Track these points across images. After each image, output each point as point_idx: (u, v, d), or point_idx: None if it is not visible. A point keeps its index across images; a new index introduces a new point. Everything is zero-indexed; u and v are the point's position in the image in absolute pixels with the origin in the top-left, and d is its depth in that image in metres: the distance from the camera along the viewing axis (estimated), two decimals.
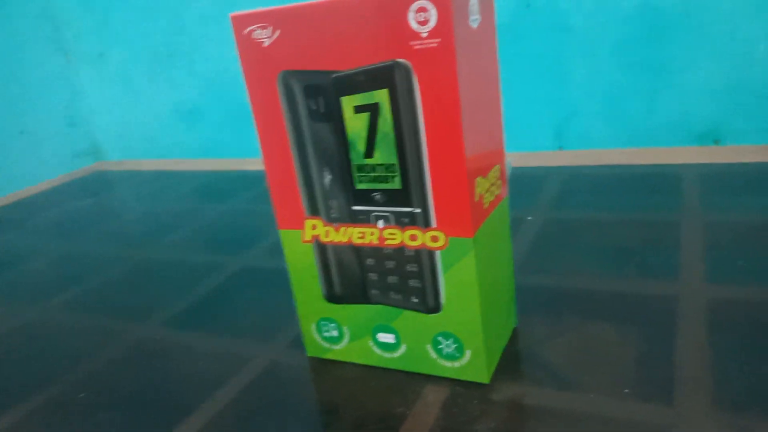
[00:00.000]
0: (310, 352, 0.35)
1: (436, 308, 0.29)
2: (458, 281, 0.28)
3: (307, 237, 0.31)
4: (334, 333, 0.33)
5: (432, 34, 0.24)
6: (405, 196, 0.28)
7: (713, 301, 0.34)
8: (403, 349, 0.31)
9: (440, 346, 0.30)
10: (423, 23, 0.24)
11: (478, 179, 0.27)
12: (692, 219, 0.44)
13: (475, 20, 0.25)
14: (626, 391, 0.28)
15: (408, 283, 0.29)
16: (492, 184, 0.29)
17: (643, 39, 0.61)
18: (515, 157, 0.67)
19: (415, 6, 0.24)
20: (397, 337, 0.31)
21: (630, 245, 0.42)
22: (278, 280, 0.45)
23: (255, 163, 0.83)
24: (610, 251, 0.42)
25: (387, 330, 0.31)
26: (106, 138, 1.02)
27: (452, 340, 0.30)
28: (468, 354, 0.29)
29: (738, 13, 0.57)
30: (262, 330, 0.39)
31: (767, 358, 0.29)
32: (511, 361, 0.31)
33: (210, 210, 0.65)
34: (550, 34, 0.65)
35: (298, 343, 0.36)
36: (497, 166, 0.30)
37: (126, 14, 0.90)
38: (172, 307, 0.44)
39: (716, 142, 0.62)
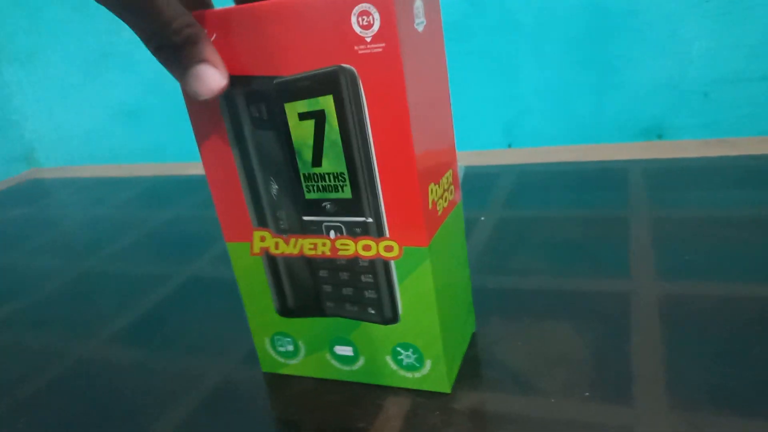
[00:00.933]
0: (265, 368, 0.33)
1: (393, 319, 0.29)
2: (415, 291, 0.27)
3: (256, 249, 0.30)
4: (290, 347, 0.32)
5: (376, 38, 0.23)
6: (356, 206, 0.27)
7: (664, 297, 0.34)
8: (361, 361, 0.30)
9: (400, 357, 0.29)
10: (366, 27, 0.23)
11: (431, 186, 0.27)
12: (639, 215, 0.45)
13: (420, 24, 0.25)
14: (586, 394, 0.28)
15: (364, 294, 0.29)
16: (445, 190, 0.28)
17: (590, 37, 0.62)
18: (466, 156, 0.67)
19: (357, 9, 0.23)
20: (355, 350, 0.30)
21: (581, 243, 0.42)
22: (229, 291, 0.44)
23: (199, 167, 0.80)
24: (562, 249, 0.42)
25: (344, 343, 0.30)
26: (40, 143, 0.97)
27: (412, 350, 0.29)
28: (428, 364, 0.29)
29: (678, 14, 0.58)
30: (214, 344, 0.37)
31: (720, 353, 0.29)
32: (470, 367, 0.31)
33: (154, 217, 0.63)
34: (499, 32, 0.65)
35: (252, 357, 0.35)
36: (450, 171, 0.29)
37: (59, 12, 0.85)
38: (117, 322, 0.42)
39: (659, 137, 0.64)
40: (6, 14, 0.89)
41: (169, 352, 0.37)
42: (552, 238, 0.44)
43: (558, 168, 0.58)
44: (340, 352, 0.31)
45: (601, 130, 0.66)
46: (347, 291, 0.29)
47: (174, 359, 0.36)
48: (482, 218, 0.49)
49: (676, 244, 0.40)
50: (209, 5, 0.27)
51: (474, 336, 0.34)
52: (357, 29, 0.23)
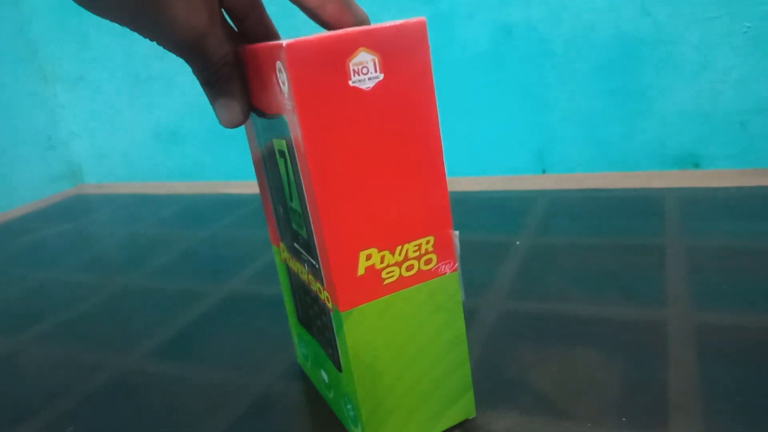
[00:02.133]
0: (298, 358, 0.36)
1: (339, 368, 0.28)
2: (342, 350, 0.26)
3: (279, 257, 0.33)
4: (304, 350, 0.34)
5: (289, 96, 0.22)
6: (311, 248, 0.26)
7: (701, 326, 0.34)
8: (332, 393, 0.30)
9: (348, 406, 0.28)
10: (283, 83, 0.22)
11: (369, 252, 0.25)
12: (675, 243, 0.45)
13: (366, 80, 0.23)
14: (623, 419, 0.28)
15: (324, 331, 0.29)
16: (408, 260, 0.26)
17: (620, 66, 0.63)
18: (500, 181, 0.67)
19: (278, 65, 0.22)
20: (328, 379, 0.30)
21: (616, 270, 0.42)
22: (265, 308, 0.45)
23: (236, 187, 0.82)
24: (596, 276, 0.42)
25: (324, 368, 0.30)
26: (86, 161, 1.01)
27: (351, 405, 0.28)
28: (360, 427, 0.27)
29: (710, 44, 0.58)
30: (252, 360, 0.38)
31: (757, 384, 0.29)
32: (503, 392, 0.31)
33: (192, 235, 0.64)
34: (531, 61, 0.66)
35: (289, 373, 0.36)
36: (426, 240, 0.26)
37: (105, 37, 0.89)
38: (156, 337, 0.43)
39: (696, 165, 0.63)
40: (56, 40, 0.94)
41: (207, 367, 0.38)
42: (586, 265, 0.44)
43: (592, 194, 0.58)
44: (323, 375, 0.31)
45: (632, 158, 0.65)
46: (319, 322, 0.30)
47: (212, 374, 0.37)
48: (517, 242, 0.49)
49: (713, 274, 0.40)
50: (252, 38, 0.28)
51: (507, 360, 0.34)
52: (278, 83, 0.23)
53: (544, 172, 0.70)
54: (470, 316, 0.39)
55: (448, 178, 0.73)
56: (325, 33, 0.22)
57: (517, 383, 0.32)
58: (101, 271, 0.58)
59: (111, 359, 0.41)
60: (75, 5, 0.90)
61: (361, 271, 0.25)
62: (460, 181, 0.70)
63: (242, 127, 0.85)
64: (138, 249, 0.63)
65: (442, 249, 0.26)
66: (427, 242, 0.26)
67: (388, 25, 0.22)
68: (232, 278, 0.51)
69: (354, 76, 0.22)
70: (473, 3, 0.66)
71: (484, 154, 0.72)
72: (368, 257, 0.25)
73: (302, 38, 0.22)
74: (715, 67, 0.59)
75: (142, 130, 0.93)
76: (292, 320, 0.34)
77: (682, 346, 0.33)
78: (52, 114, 0.98)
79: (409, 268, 0.26)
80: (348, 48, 0.22)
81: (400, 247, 0.25)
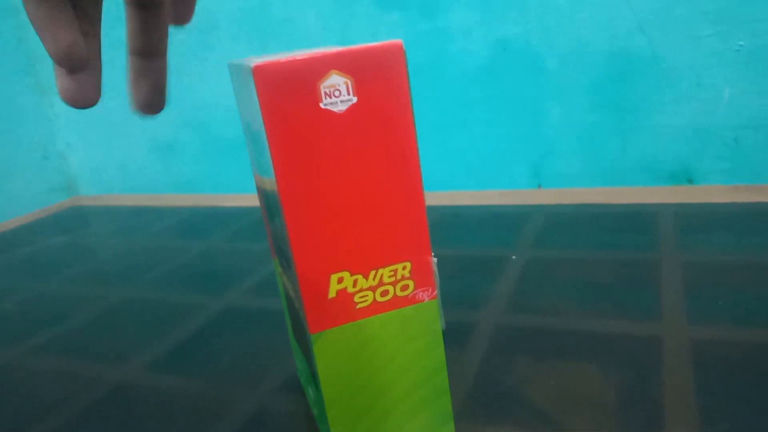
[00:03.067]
0: (298, 371, 0.35)
1: (317, 388, 0.28)
2: (315, 371, 0.26)
3: (276, 270, 0.33)
4: (298, 364, 0.34)
5: (260, 116, 0.22)
6: (291, 265, 0.26)
7: (696, 340, 0.34)
8: (316, 411, 0.30)
9: (324, 426, 0.28)
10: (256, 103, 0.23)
11: (342, 275, 0.24)
12: (670, 258, 0.45)
13: (339, 103, 0.23)
14: None
15: (306, 349, 0.29)
16: (382, 284, 0.25)
17: (615, 82, 0.63)
18: (496, 196, 0.68)
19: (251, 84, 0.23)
20: (314, 396, 0.30)
21: (612, 285, 0.43)
22: (263, 321, 0.45)
23: (233, 200, 0.82)
24: (592, 291, 0.42)
25: (310, 385, 0.30)
26: (82, 173, 1.01)
27: (325, 427, 0.28)
28: None
29: (704, 60, 0.59)
30: (250, 373, 0.38)
31: (752, 398, 0.29)
32: (499, 406, 0.31)
33: (189, 248, 0.64)
34: (526, 76, 0.67)
35: (286, 387, 0.36)
36: (403, 265, 0.25)
37: (102, 49, 0.90)
38: (153, 350, 0.43)
39: (689, 181, 0.64)
40: None
41: (204, 380, 0.38)
42: (582, 280, 0.44)
43: (587, 209, 0.59)
44: (310, 392, 0.31)
45: (626, 173, 0.66)
46: (303, 338, 0.29)
47: (209, 387, 0.37)
48: (513, 257, 0.50)
49: (709, 289, 0.40)
50: None
51: (503, 374, 0.34)
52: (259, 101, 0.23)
53: (539, 186, 0.70)
54: (467, 330, 0.39)
55: (443, 192, 0.73)
56: (296, 54, 0.22)
57: (513, 397, 0.32)
58: (97, 283, 0.58)
59: (107, 372, 0.41)
60: None
61: (332, 294, 0.24)
62: (455, 195, 0.70)
63: (243, 138, 0.85)
64: (134, 261, 0.63)
65: (419, 275, 0.25)
66: (404, 268, 0.25)
67: (362, 47, 0.22)
68: (230, 291, 0.51)
69: (325, 98, 0.22)
70: (470, 19, 0.67)
71: (480, 168, 0.72)
72: (340, 280, 0.24)
73: (272, 59, 0.22)
74: (709, 83, 0.60)
75: (138, 143, 0.93)
76: (290, 333, 0.35)
77: (678, 361, 0.33)
78: (48, 125, 0.98)
79: (384, 293, 0.25)
80: (319, 70, 0.22)
81: (374, 271, 0.25)
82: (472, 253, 0.52)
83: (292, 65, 0.22)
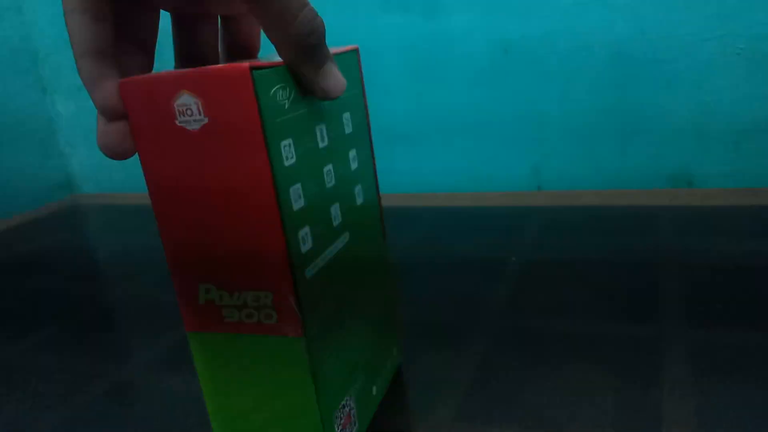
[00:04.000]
0: None
1: None
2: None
3: None
4: None
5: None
6: None
7: (695, 344, 0.35)
8: None
9: None
10: None
11: (208, 287, 0.25)
12: (668, 261, 0.45)
13: (192, 122, 0.23)
14: None
15: None
16: (248, 307, 0.25)
17: (616, 84, 0.64)
18: (495, 197, 0.68)
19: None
20: None
21: (610, 287, 0.43)
22: None
23: None
24: (591, 293, 0.42)
25: None
26: (83, 171, 1.01)
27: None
28: None
29: (706, 64, 0.60)
30: None
31: (750, 402, 0.29)
32: (498, 408, 0.32)
33: None
34: (527, 78, 0.67)
35: None
36: (265, 294, 0.24)
37: None
38: (154, 347, 0.43)
39: (689, 184, 0.64)
40: (57, 51, 0.94)
41: None
42: (581, 282, 0.44)
43: (587, 212, 0.59)
44: None
45: (626, 175, 0.66)
46: None
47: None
48: (513, 259, 0.50)
49: (706, 292, 0.40)
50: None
51: (501, 377, 0.34)
52: None
53: (539, 188, 0.71)
54: (466, 332, 0.39)
55: (444, 193, 0.73)
56: (158, 72, 0.23)
57: (512, 399, 0.32)
58: (97, 281, 0.58)
59: (110, 369, 0.41)
60: None
61: (201, 301, 0.25)
62: (456, 196, 0.70)
63: None
64: (134, 260, 0.63)
65: (283, 310, 0.24)
66: (266, 297, 0.24)
67: (210, 69, 0.22)
68: None
69: (179, 116, 0.22)
70: (471, 21, 0.67)
71: (480, 170, 0.73)
72: (207, 290, 0.25)
73: (141, 75, 0.23)
74: (709, 87, 0.60)
75: None
76: None
77: (676, 364, 0.33)
78: (49, 123, 0.98)
79: (249, 315, 0.25)
80: (170, 89, 0.22)
81: (237, 292, 0.24)
82: (472, 254, 0.52)
83: (149, 82, 0.22)
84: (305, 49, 0.23)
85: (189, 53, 0.28)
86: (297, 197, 0.24)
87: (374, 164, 0.32)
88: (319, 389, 0.25)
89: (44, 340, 0.47)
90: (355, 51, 0.30)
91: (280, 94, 0.23)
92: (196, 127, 0.23)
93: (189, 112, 0.22)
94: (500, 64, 0.68)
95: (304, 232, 0.24)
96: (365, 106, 0.31)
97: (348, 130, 0.29)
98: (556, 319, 0.39)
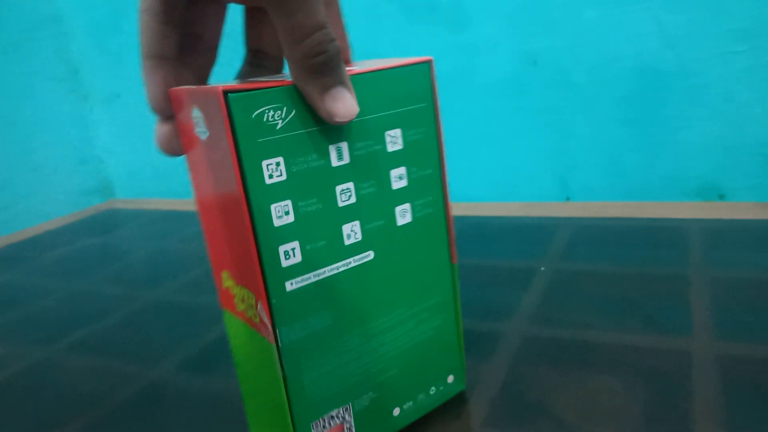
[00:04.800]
0: None
1: None
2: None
3: None
4: None
5: None
6: None
7: (725, 357, 0.34)
8: None
9: None
10: None
11: (225, 274, 0.28)
12: (699, 274, 0.45)
13: (202, 133, 0.25)
14: None
15: None
16: (244, 301, 0.27)
17: (643, 96, 0.64)
18: (521, 207, 0.68)
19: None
20: None
21: (640, 299, 0.43)
22: None
23: None
24: (620, 304, 0.42)
25: None
26: (117, 176, 1.04)
27: None
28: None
29: (732, 77, 0.59)
30: None
31: None
32: (524, 416, 0.32)
33: None
34: (554, 89, 0.67)
35: None
36: (251, 295, 0.26)
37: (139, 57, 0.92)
38: (184, 350, 0.44)
39: (721, 197, 0.63)
40: (93, 59, 0.97)
41: (235, 381, 0.39)
42: (610, 292, 0.44)
43: (615, 223, 0.59)
44: None
45: (654, 187, 0.66)
46: None
47: (237, 389, 0.38)
48: (542, 268, 0.50)
49: (737, 306, 0.40)
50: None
51: (529, 385, 0.34)
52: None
53: (568, 199, 0.71)
54: (494, 340, 0.40)
55: (469, 203, 0.73)
56: (193, 86, 0.25)
57: (538, 408, 0.32)
58: (130, 284, 0.60)
59: (141, 370, 0.42)
60: (113, 25, 0.93)
61: (224, 285, 0.28)
62: (482, 206, 0.71)
63: None
64: (166, 264, 0.64)
65: (260, 315, 0.26)
66: (251, 298, 0.26)
67: (203, 88, 0.24)
68: None
69: (195, 127, 0.25)
70: (497, 32, 0.68)
71: (506, 180, 0.73)
72: (226, 277, 0.28)
73: (179, 87, 0.26)
74: (738, 100, 0.60)
75: None
76: None
77: (706, 376, 0.33)
78: (86, 130, 1.01)
79: (247, 309, 0.27)
80: (187, 102, 0.25)
81: (240, 287, 0.27)
82: (501, 263, 0.52)
83: (178, 94, 0.26)
84: (310, 69, 0.23)
85: (254, 49, 0.30)
86: (282, 213, 0.25)
87: (443, 182, 0.31)
88: (292, 396, 0.27)
89: (79, 340, 0.49)
90: (428, 63, 0.29)
91: (270, 114, 0.24)
92: (203, 137, 0.25)
93: (199, 124, 0.25)
94: (527, 75, 0.68)
95: (290, 247, 0.25)
96: (435, 121, 0.30)
97: (394, 147, 0.28)
98: (584, 330, 0.40)
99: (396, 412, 0.31)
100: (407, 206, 0.29)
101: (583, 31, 0.64)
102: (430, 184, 0.30)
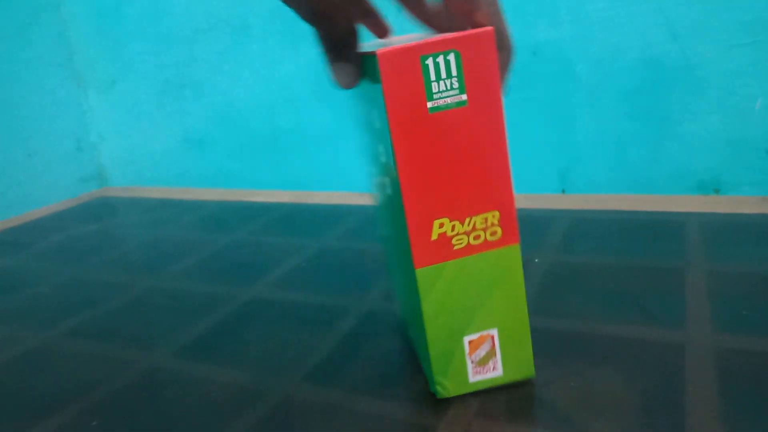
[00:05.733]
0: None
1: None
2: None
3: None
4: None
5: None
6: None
7: (721, 350, 0.34)
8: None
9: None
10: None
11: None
12: (696, 267, 0.45)
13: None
14: None
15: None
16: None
17: (646, 89, 0.63)
18: (521, 198, 0.68)
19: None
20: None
21: (636, 291, 0.43)
22: (289, 313, 0.46)
23: (262, 195, 0.84)
24: (616, 296, 0.42)
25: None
26: (113, 164, 1.03)
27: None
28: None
29: (737, 72, 0.59)
30: (276, 363, 0.39)
31: None
32: (521, 408, 0.32)
33: (216, 240, 0.66)
34: (557, 81, 0.67)
35: (311, 377, 0.37)
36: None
37: (139, 44, 0.92)
38: (182, 337, 0.44)
39: (716, 191, 0.63)
40: (93, 45, 0.96)
41: (232, 368, 0.39)
42: (606, 285, 0.44)
43: (613, 216, 0.59)
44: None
45: (654, 181, 0.66)
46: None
47: (237, 374, 0.38)
48: (536, 260, 0.50)
49: (733, 299, 0.40)
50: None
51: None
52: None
53: (563, 191, 0.70)
54: None
55: None
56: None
57: (535, 399, 0.32)
58: (126, 271, 0.60)
59: (138, 356, 0.42)
60: (112, 12, 0.93)
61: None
62: None
63: (273, 135, 0.87)
64: (162, 251, 0.64)
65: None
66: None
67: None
68: (256, 283, 0.52)
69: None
70: None
71: None
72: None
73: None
74: (741, 93, 0.59)
75: (170, 136, 0.95)
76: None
77: (702, 369, 0.33)
78: (83, 117, 1.01)
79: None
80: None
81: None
82: None
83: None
84: None
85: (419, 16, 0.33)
86: None
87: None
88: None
89: (76, 326, 0.48)
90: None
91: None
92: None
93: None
94: (530, 66, 0.68)
95: None
96: None
97: None
98: (580, 321, 0.39)
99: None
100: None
101: (587, 23, 0.64)
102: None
